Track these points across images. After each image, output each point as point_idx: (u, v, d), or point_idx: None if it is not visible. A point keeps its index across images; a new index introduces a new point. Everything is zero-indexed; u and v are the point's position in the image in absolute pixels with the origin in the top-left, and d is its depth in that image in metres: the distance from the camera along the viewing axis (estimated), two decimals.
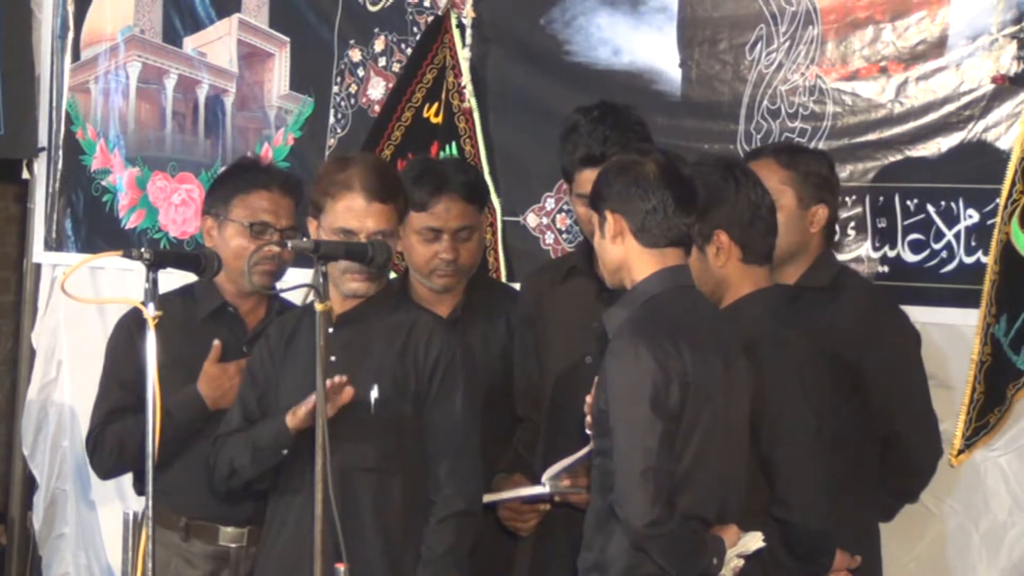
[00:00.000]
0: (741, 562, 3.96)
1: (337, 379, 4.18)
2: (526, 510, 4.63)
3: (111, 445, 4.75)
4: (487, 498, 4.56)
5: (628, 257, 3.99)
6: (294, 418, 4.27)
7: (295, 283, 4.60)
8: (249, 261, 4.38)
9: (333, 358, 4.25)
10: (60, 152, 7.00)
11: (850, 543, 4.29)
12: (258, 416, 4.44)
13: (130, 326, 4.79)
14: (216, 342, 4.67)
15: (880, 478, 4.52)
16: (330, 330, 4.26)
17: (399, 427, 4.33)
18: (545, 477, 4.38)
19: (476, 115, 5.70)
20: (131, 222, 6.78)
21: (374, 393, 4.29)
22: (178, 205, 6.62)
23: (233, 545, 4.71)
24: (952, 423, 4.68)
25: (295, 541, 4.29)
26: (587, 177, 4.56)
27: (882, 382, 4.44)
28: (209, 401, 4.64)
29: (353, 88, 6.09)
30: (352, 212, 4.30)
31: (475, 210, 4.85)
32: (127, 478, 5.06)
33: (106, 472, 4.92)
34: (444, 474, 4.36)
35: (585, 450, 4.26)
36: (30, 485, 7.14)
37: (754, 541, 3.97)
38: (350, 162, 4.38)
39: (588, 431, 4.09)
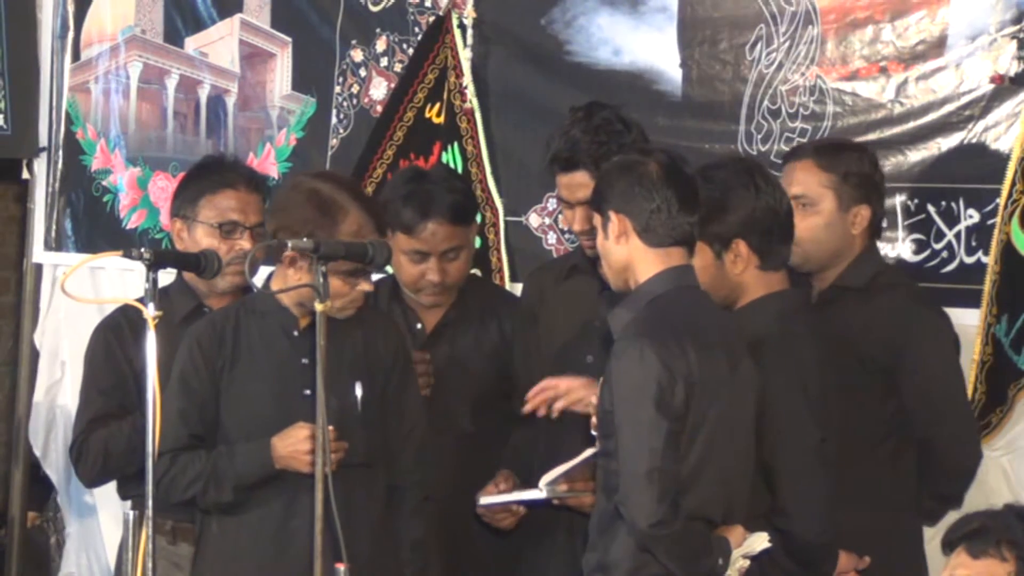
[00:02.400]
0: (747, 563, 3.96)
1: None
2: (497, 510, 4.63)
3: (95, 453, 4.71)
4: (485, 500, 4.56)
5: (632, 257, 3.98)
6: (291, 461, 4.26)
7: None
8: (248, 261, 4.36)
9: (305, 360, 4.27)
10: (60, 152, 6.99)
11: (892, 548, 4.31)
12: (201, 430, 4.36)
13: (106, 332, 4.77)
14: None
15: (921, 482, 4.45)
16: (295, 333, 4.30)
17: (378, 420, 4.35)
18: (543, 482, 4.36)
19: (478, 115, 5.70)
20: (132, 222, 6.78)
21: (358, 390, 4.29)
22: None
23: None
24: None
25: (280, 540, 4.30)
26: (562, 181, 4.57)
27: (917, 386, 4.37)
28: None
29: (355, 88, 6.09)
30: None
31: (463, 229, 4.81)
32: None
33: (91, 480, 4.90)
34: (413, 461, 4.41)
35: (583, 455, 4.26)
36: (30, 485, 7.13)
37: (759, 542, 3.97)
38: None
39: (593, 432, 4.09)
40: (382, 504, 4.36)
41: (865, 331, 4.38)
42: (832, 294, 4.46)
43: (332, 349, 4.08)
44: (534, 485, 4.41)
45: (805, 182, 4.41)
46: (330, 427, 4.15)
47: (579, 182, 4.48)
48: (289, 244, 4.03)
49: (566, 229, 5.50)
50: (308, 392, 4.25)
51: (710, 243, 4.10)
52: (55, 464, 7.03)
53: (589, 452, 4.23)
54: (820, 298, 4.47)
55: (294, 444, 4.23)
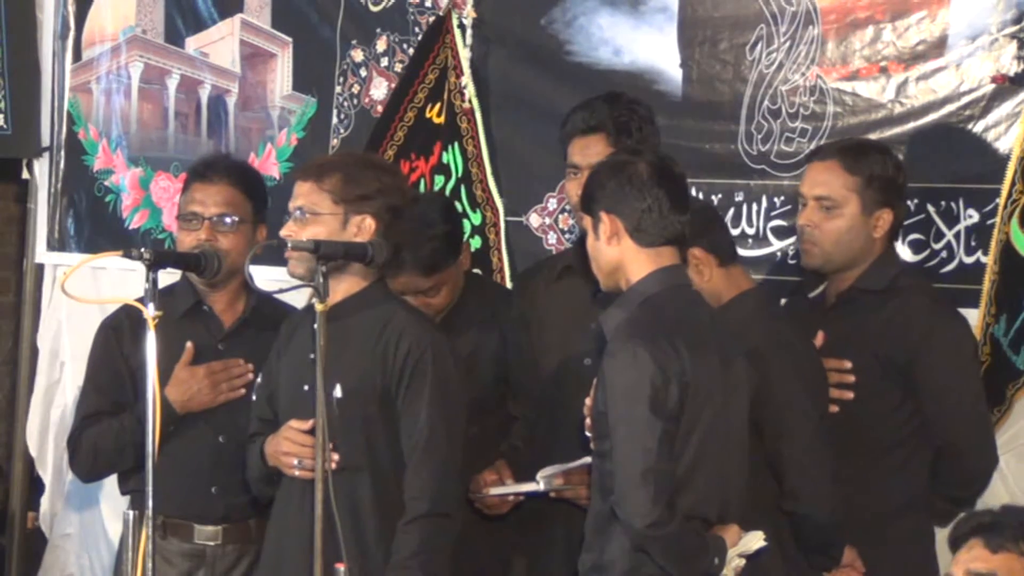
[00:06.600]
0: (742, 562, 3.97)
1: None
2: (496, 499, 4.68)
3: (86, 449, 4.77)
4: (494, 491, 4.58)
5: (624, 258, 3.99)
6: (273, 460, 4.36)
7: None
8: (248, 259, 4.35)
9: (312, 356, 4.26)
10: (62, 152, 7.00)
11: (904, 548, 4.33)
12: (269, 414, 4.46)
13: (107, 330, 4.82)
14: (188, 344, 4.67)
15: (936, 484, 4.46)
16: (315, 325, 4.29)
17: (365, 425, 4.28)
18: (540, 475, 4.41)
19: (478, 115, 5.70)
20: (135, 222, 6.79)
21: (336, 392, 4.23)
22: None
23: (210, 543, 4.71)
24: None
25: (277, 540, 4.36)
26: (576, 146, 4.58)
27: (934, 389, 4.38)
28: (177, 405, 4.63)
29: (356, 88, 6.09)
30: None
31: (440, 274, 4.78)
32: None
33: (85, 475, 4.96)
34: (410, 475, 4.26)
35: (583, 461, 4.28)
36: (30, 485, 7.14)
37: (755, 540, 3.98)
38: None
39: (587, 433, 4.10)
40: (369, 511, 4.27)
41: (883, 333, 4.38)
42: (851, 295, 4.46)
43: (332, 346, 4.07)
44: (531, 479, 4.45)
45: (829, 184, 4.41)
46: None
47: (596, 145, 4.51)
48: (289, 244, 4.05)
49: (566, 229, 5.50)
50: (307, 388, 4.28)
51: None
52: (49, 466, 7.04)
53: (588, 460, 4.26)
54: (839, 299, 4.49)
55: (276, 444, 4.33)
